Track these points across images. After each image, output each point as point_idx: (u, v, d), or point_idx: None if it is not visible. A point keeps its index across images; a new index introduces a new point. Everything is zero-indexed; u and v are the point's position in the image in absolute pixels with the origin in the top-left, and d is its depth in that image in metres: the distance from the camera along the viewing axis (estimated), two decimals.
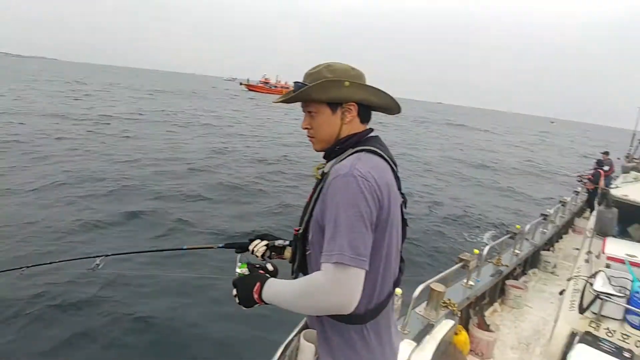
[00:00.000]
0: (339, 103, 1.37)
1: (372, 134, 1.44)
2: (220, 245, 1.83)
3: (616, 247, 4.47)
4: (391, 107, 1.47)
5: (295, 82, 1.40)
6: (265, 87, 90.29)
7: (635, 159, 9.72)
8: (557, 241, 8.96)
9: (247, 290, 1.31)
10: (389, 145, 1.46)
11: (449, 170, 21.12)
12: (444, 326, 3.63)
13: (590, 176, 10.72)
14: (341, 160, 1.32)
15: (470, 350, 4.29)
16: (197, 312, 5.78)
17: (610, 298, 3.75)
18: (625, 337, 3.66)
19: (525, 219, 9.44)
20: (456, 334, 3.97)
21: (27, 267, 2.30)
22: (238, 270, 1.46)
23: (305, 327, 1.63)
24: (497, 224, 12.44)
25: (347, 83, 1.32)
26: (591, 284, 3.89)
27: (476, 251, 4.80)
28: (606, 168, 10.82)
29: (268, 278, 1.33)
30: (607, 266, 4.23)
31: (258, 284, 1.31)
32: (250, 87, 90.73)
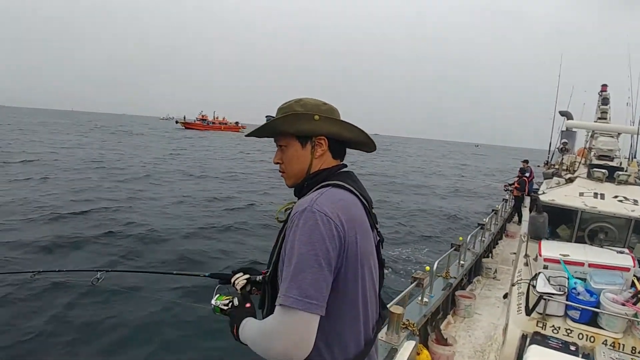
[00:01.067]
0: (308, 137, 1.33)
1: (345, 169, 1.39)
2: (207, 274, 1.84)
3: (550, 248, 4.81)
4: (364, 142, 1.43)
5: (266, 116, 1.39)
6: (202, 123, 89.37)
7: (553, 165, 10.63)
8: (494, 247, 9.51)
9: (230, 328, 1.32)
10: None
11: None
12: (407, 349, 3.69)
13: (517, 184, 11.53)
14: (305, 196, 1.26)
15: None
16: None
17: (552, 297, 4.02)
18: (569, 331, 3.93)
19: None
20: (418, 353, 4.06)
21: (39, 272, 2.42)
22: (213, 301, 1.47)
23: None
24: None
25: (316, 117, 1.30)
26: (534, 286, 4.15)
27: (427, 268, 4.97)
28: (527, 174, 11.70)
29: (246, 317, 1.30)
30: (545, 267, 4.54)
31: (235, 325, 1.29)
32: (187, 125, 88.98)
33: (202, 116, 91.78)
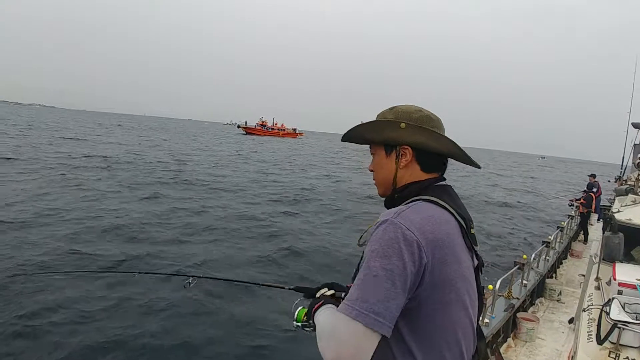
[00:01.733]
0: (393, 145, 1.27)
1: (441, 183, 1.29)
2: (291, 287, 1.79)
3: (626, 272, 4.46)
4: (457, 155, 1.32)
5: (362, 122, 1.37)
6: (262, 129, 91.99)
7: (626, 180, 9.92)
8: (558, 267, 8.98)
9: (310, 306, 1.31)
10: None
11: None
12: None
13: (583, 200, 10.87)
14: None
15: None
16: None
17: (627, 326, 3.71)
18: None
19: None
20: None
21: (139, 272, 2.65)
22: (296, 316, 1.44)
23: None
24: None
25: (402, 124, 1.24)
26: (607, 313, 3.86)
27: (490, 287, 4.77)
28: (594, 190, 11.00)
29: (332, 302, 1.28)
30: (620, 292, 4.22)
31: (320, 302, 1.27)
32: (248, 130, 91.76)
33: (262, 122, 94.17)
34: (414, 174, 1.27)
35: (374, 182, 1.37)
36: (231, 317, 6.56)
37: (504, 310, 5.27)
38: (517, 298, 5.77)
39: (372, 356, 1.00)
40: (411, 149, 1.26)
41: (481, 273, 1.29)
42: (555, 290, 7.26)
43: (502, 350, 5.13)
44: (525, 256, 6.26)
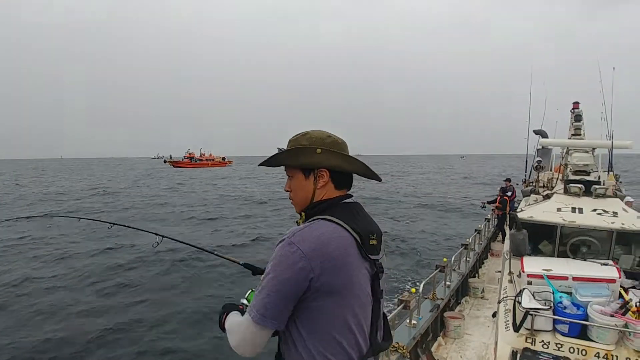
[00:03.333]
0: (311, 169, 1.43)
1: (349, 200, 1.47)
2: (242, 262, 1.98)
3: (533, 264, 4.82)
4: (366, 174, 1.53)
5: (278, 148, 1.51)
6: (190, 161, 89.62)
7: (531, 182, 10.82)
8: (480, 267, 9.51)
9: (219, 316, 1.49)
10: None
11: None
12: None
13: (498, 203, 11.64)
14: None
15: None
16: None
17: (538, 312, 4.00)
18: (559, 346, 3.91)
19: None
20: None
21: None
22: (247, 296, 1.60)
23: None
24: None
25: (318, 150, 1.41)
26: (519, 302, 4.14)
27: (413, 290, 4.94)
28: (509, 194, 11.79)
29: (235, 308, 1.49)
30: (529, 283, 4.55)
31: (225, 313, 1.48)
32: (175, 164, 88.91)
33: (190, 154, 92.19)
34: (329, 191, 1.45)
35: (290, 201, 1.53)
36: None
37: (430, 311, 5.49)
38: (442, 299, 6.03)
39: (284, 345, 1.35)
40: (328, 171, 1.44)
41: (380, 278, 1.43)
42: (478, 288, 7.67)
43: (433, 349, 5.32)
44: (445, 259, 6.58)
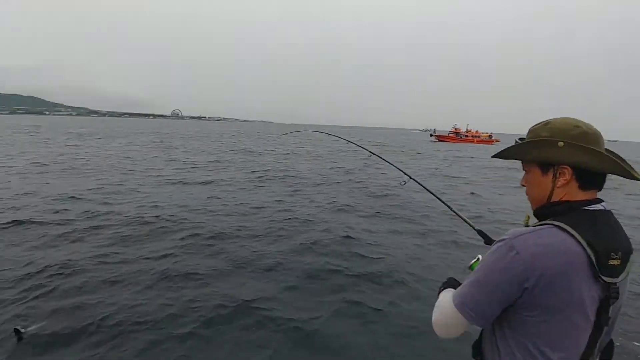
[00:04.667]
0: (550, 164, 1.23)
1: (594, 207, 1.20)
2: (476, 228, 1.92)
3: None
4: (624, 174, 1.20)
5: (516, 139, 1.35)
6: (455, 136, 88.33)
7: None
8: None
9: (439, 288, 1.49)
10: None
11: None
12: None
13: None
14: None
15: None
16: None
17: None
18: None
19: None
20: None
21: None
22: (471, 264, 1.54)
23: None
24: None
25: (560, 143, 1.18)
26: None
27: None
28: None
29: (457, 285, 1.41)
30: None
31: (443, 286, 1.47)
32: (440, 137, 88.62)
33: (455, 129, 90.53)
34: (570, 192, 1.23)
35: (527, 196, 1.36)
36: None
37: None
38: None
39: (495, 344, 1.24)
40: (570, 169, 1.21)
41: (611, 304, 1.16)
42: None
43: None
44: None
